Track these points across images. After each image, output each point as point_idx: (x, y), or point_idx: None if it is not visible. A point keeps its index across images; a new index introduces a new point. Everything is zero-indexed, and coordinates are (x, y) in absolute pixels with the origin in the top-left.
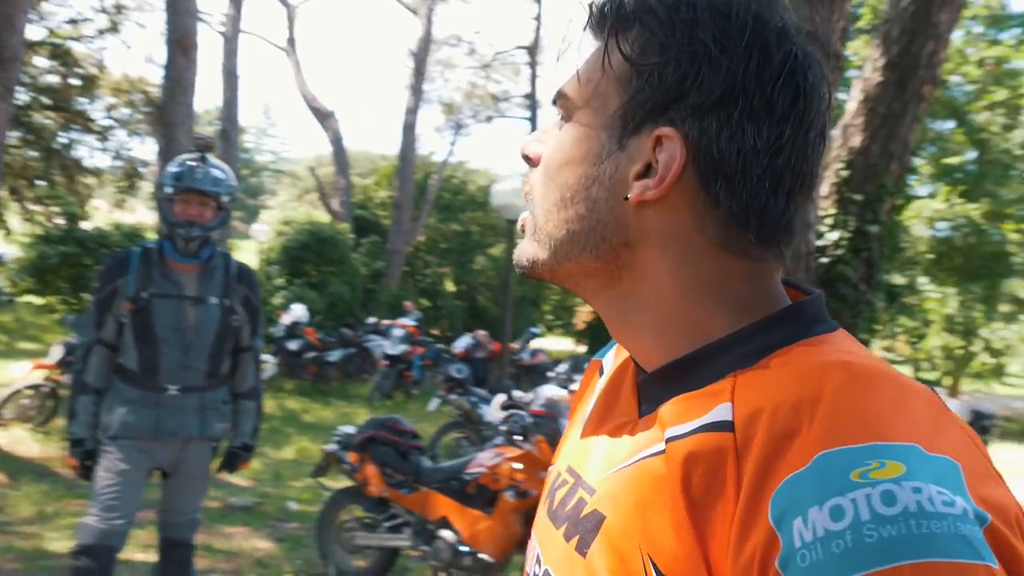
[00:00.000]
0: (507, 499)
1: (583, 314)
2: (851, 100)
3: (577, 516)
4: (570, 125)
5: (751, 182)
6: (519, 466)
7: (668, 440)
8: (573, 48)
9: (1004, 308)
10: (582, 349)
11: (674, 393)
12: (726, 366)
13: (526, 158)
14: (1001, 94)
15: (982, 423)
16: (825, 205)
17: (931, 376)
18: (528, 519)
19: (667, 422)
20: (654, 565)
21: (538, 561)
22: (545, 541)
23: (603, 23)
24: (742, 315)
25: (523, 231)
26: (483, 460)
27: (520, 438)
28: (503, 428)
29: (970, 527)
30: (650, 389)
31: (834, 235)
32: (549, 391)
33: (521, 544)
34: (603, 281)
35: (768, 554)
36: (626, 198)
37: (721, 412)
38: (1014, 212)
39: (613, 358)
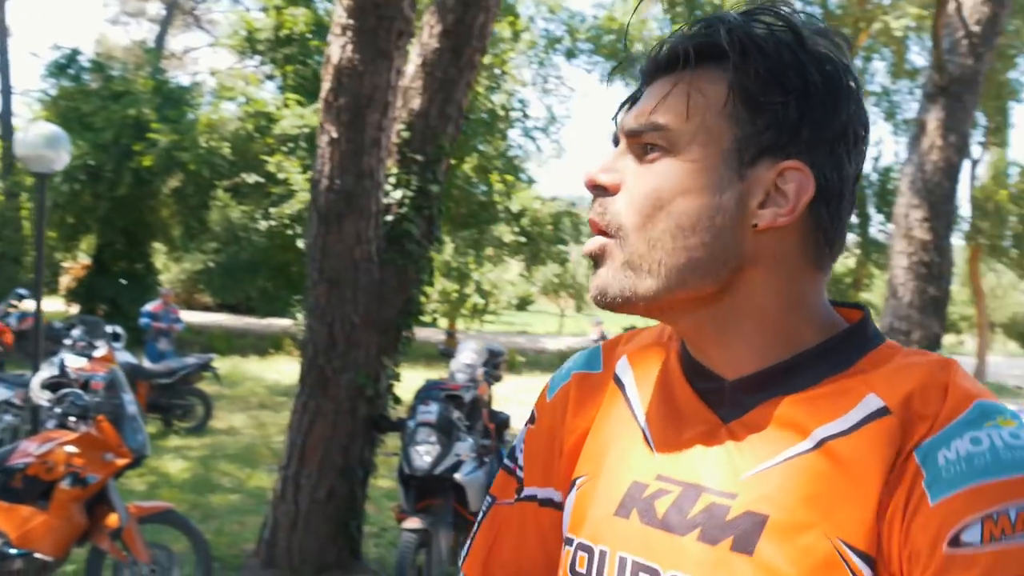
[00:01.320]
0: (64, 489)
1: (74, 271)
2: (410, 63)
3: (720, 520)
4: (678, 157)
5: (844, 205)
6: (75, 450)
7: (827, 439)
8: (662, 85)
9: (490, 252)
10: (75, 309)
11: (768, 397)
12: (823, 370)
13: (601, 187)
14: (486, 59)
15: (495, 360)
16: (389, 165)
17: (429, 318)
18: (91, 506)
19: (806, 423)
20: (848, 545)
21: (645, 570)
22: (656, 549)
23: (706, 61)
24: (823, 325)
25: (599, 260)
26: (29, 448)
27: (76, 419)
28: (57, 410)
29: None
30: (734, 395)
31: (398, 194)
32: (73, 361)
33: (84, 536)
34: (704, 302)
35: (913, 483)
36: (755, 225)
37: (871, 402)
38: (498, 165)
39: (631, 371)
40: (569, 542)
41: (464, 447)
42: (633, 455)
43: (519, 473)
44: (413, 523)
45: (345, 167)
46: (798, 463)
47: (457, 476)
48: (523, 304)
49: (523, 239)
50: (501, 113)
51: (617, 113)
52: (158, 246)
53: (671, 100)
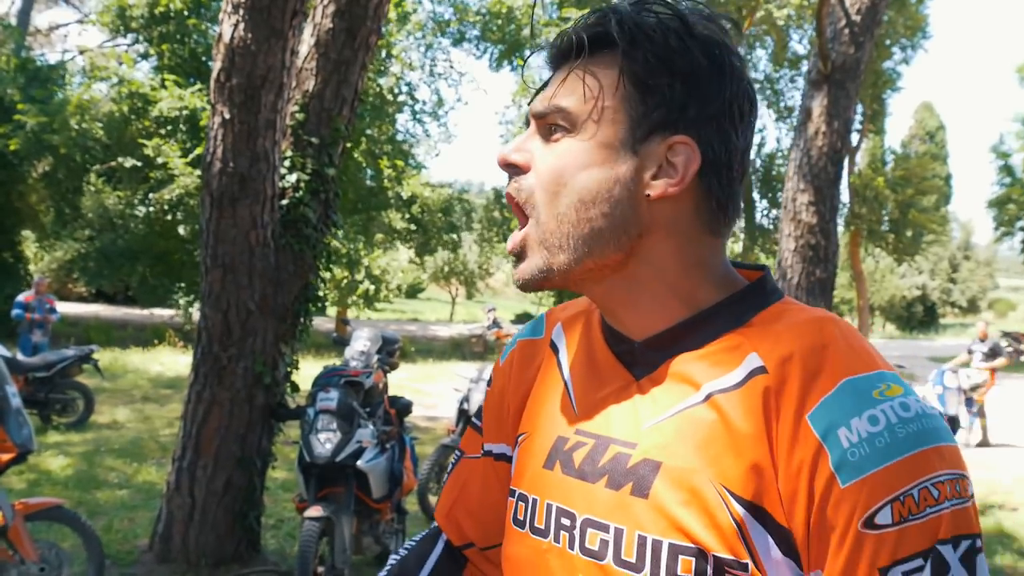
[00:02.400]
0: None
1: None
2: (304, 44)
3: (623, 467)
4: (577, 136)
5: (732, 175)
6: None
7: (713, 393)
8: (562, 70)
9: (380, 238)
10: None
11: (673, 354)
12: (719, 327)
13: (512, 166)
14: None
15: (390, 348)
16: (284, 148)
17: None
18: None
19: (698, 378)
20: (729, 492)
21: (565, 515)
22: (574, 496)
23: (601, 48)
24: (720, 286)
25: (518, 254)
26: None
27: None
28: None
29: (942, 420)
30: (644, 354)
31: (293, 177)
32: None
33: None
34: (612, 269)
35: (816, 461)
36: (648, 195)
37: (752, 361)
38: (387, 150)
39: (564, 337)
40: (512, 493)
41: (365, 433)
42: (559, 413)
43: (482, 430)
44: (315, 512)
45: (239, 149)
46: (689, 415)
47: (359, 463)
48: (413, 291)
49: (413, 226)
50: (389, 97)
51: (532, 99)
52: (27, 234)
53: (569, 84)
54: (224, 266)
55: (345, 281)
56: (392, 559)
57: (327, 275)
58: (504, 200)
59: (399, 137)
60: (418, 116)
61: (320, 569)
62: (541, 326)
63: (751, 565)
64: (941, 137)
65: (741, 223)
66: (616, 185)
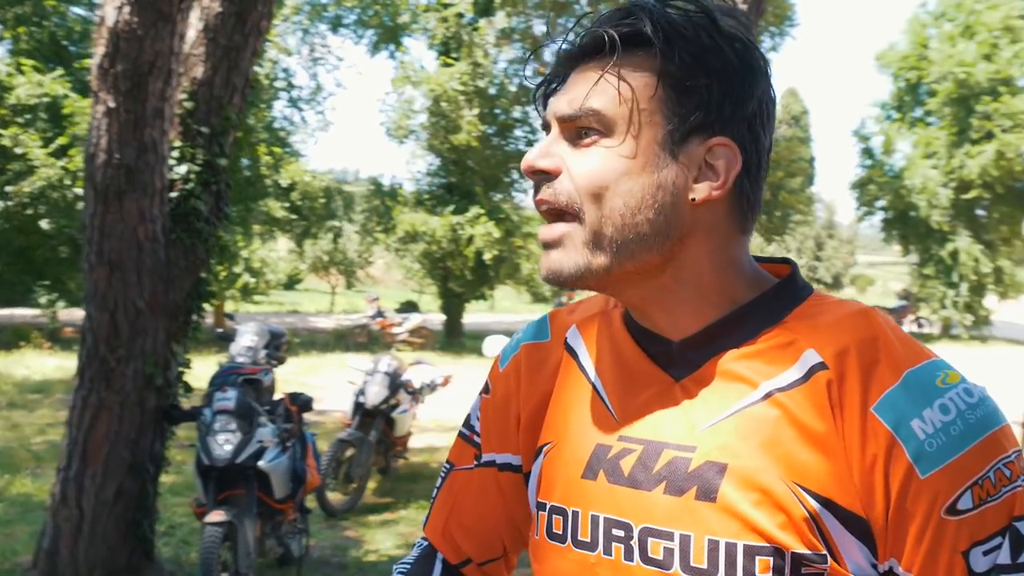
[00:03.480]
0: None
1: None
2: (191, 29)
3: (683, 472)
4: (614, 141)
5: (761, 174)
6: None
7: (773, 391)
8: (589, 70)
9: (259, 228)
10: None
11: (714, 353)
12: (759, 324)
13: (542, 172)
14: None
15: (277, 342)
16: (172, 138)
17: None
18: None
19: (752, 377)
20: (802, 487)
21: (618, 526)
22: (626, 506)
23: (632, 47)
24: (752, 282)
25: (555, 244)
26: None
27: None
28: None
29: (995, 401)
30: (683, 354)
31: (183, 168)
32: None
33: None
34: (650, 273)
35: (890, 453)
36: (693, 200)
37: (810, 357)
38: (264, 137)
39: (582, 339)
40: (542, 507)
41: (266, 433)
42: (592, 420)
43: (476, 440)
44: (216, 516)
45: (125, 140)
46: (749, 414)
47: (260, 463)
48: (291, 282)
49: (293, 215)
50: (265, 83)
51: (537, 96)
52: None
53: (602, 86)
54: (111, 263)
55: (224, 274)
56: None
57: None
58: (384, 190)
59: (276, 124)
60: (295, 103)
61: (224, 575)
62: (546, 329)
63: (829, 557)
64: (805, 121)
65: None
66: (660, 191)
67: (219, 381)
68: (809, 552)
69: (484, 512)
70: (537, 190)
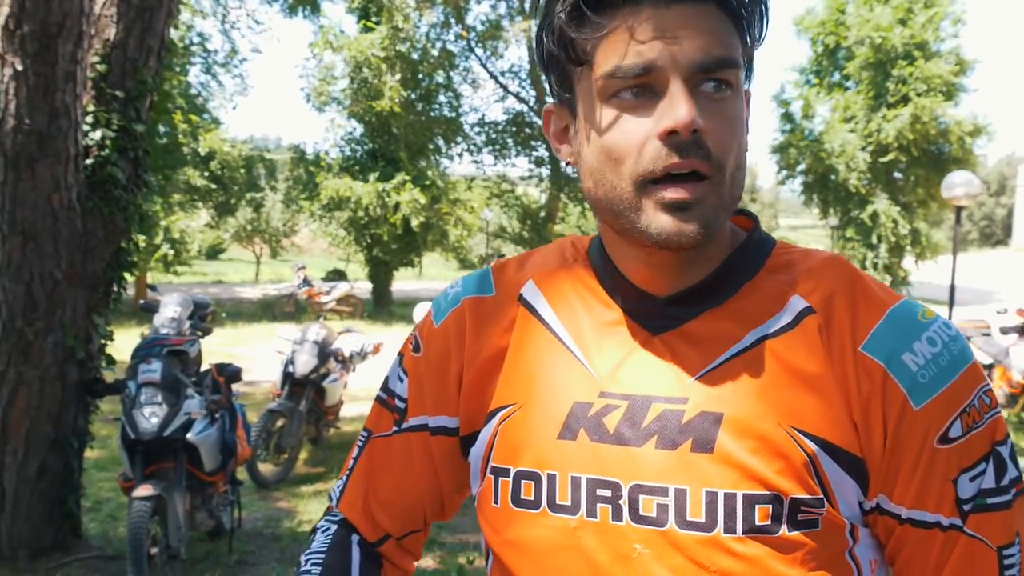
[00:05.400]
0: None
1: None
2: None
3: (675, 424)
4: (735, 93)
5: None
6: None
7: (764, 337)
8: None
9: (178, 198)
10: None
11: (698, 311)
12: (740, 278)
13: (699, 132)
14: None
15: (202, 313)
16: (86, 102)
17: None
18: None
19: (738, 325)
20: (800, 431)
21: (604, 485)
22: (612, 464)
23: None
24: (730, 237)
25: (693, 204)
26: None
27: None
28: None
29: None
30: (669, 309)
31: (97, 134)
32: None
33: None
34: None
35: (885, 388)
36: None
37: (797, 303)
38: (181, 104)
39: (541, 294)
40: (504, 472)
41: (194, 404)
42: (568, 377)
43: (400, 404)
44: (144, 491)
45: (35, 104)
46: (740, 361)
47: (189, 436)
48: (215, 252)
49: (213, 184)
50: (180, 47)
51: (566, 42)
52: None
53: (722, 33)
54: (24, 233)
55: (144, 245)
56: (303, 573)
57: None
58: (307, 158)
59: (193, 91)
60: (211, 68)
61: (154, 550)
62: (489, 283)
63: (825, 500)
64: None
65: (546, 170)
66: (746, 148)
67: (143, 353)
68: (808, 496)
69: (406, 482)
70: (682, 151)
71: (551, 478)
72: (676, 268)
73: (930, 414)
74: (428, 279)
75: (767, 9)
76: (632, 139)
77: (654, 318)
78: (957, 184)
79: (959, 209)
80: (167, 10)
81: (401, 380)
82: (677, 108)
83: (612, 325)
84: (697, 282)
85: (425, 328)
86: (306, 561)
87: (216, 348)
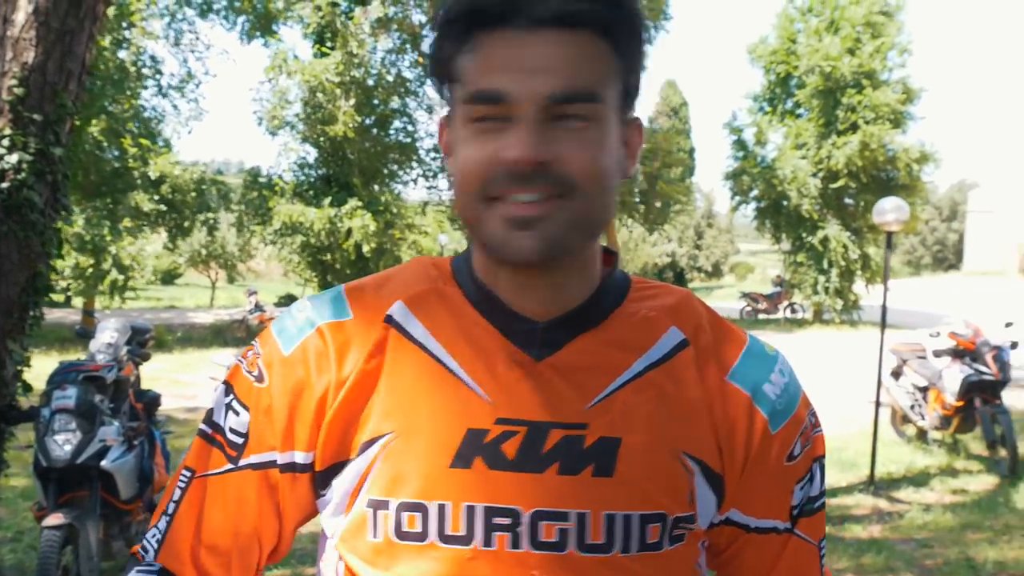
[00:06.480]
0: None
1: None
2: (19, 11)
3: (578, 450)
4: (599, 120)
5: None
6: None
7: (648, 367)
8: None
9: (128, 223)
10: None
11: (574, 334)
12: (609, 304)
13: (542, 164)
14: (110, 11)
15: (141, 338)
16: (2, 126)
17: (61, 298)
18: None
19: (622, 354)
20: (686, 454)
21: (502, 513)
22: (511, 491)
23: (597, 22)
24: (597, 264)
25: (537, 221)
26: None
27: None
28: None
29: None
30: (546, 335)
31: (14, 158)
32: None
33: None
34: (576, 255)
35: (750, 414)
36: (626, 178)
37: (675, 335)
38: (132, 128)
39: (414, 318)
40: (383, 505)
41: (110, 431)
42: (458, 404)
43: (234, 440)
44: (55, 519)
45: None
46: (631, 388)
47: (103, 463)
48: (170, 277)
49: (164, 207)
50: (131, 70)
51: (443, 59)
52: None
53: (584, 63)
54: None
55: (91, 270)
56: None
57: (65, 264)
58: (261, 181)
59: (146, 114)
60: (164, 91)
61: None
62: (344, 306)
63: (695, 516)
64: (685, 113)
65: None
66: (616, 170)
67: (58, 379)
68: (686, 514)
69: (244, 523)
70: (525, 181)
71: (441, 508)
72: (549, 290)
73: (783, 437)
74: None
75: (641, 35)
76: (481, 162)
77: (535, 342)
78: (888, 210)
79: (889, 235)
80: (89, 34)
81: (237, 413)
82: (521, 140)
83: (494, 349)
84: (574, 307)
85: (269, 357)
86: None
87: (161, 374)
